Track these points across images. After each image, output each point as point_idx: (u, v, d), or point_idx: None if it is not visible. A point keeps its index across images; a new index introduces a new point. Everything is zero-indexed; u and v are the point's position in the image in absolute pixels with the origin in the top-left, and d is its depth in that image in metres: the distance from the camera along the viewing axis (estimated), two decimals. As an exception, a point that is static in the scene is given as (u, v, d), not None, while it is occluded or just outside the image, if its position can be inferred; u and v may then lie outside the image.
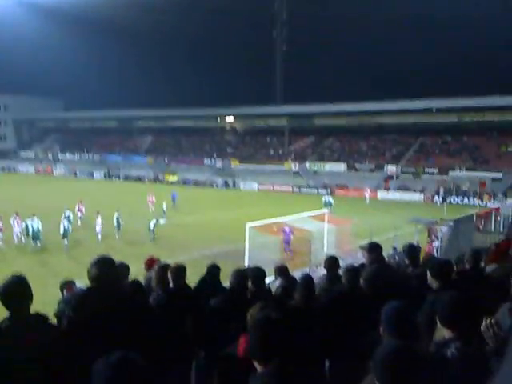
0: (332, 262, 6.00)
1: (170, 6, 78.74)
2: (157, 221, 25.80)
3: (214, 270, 5.32)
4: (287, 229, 20.84)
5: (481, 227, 17.22)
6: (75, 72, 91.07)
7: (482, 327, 2.84)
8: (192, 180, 59.97)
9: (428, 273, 4.20)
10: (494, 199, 41.07)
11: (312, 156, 60.74)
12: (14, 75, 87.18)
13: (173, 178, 61.25)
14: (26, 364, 2.80)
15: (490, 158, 49.44)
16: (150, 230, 25.20)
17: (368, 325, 3.36)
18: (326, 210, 24.42)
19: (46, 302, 4.68)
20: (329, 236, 21.10)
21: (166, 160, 68.63)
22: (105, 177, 67.72)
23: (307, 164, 58.49)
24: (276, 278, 6.08)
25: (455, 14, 62.24)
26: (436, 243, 16.27)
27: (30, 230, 22.68)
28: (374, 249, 6.03)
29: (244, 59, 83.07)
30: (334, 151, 60.64)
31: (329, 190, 48.72)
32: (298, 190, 52.79)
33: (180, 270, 4.74)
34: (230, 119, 72.40)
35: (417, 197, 46.74)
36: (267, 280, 5.67)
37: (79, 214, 28.75)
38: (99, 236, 24.89)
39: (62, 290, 5.23)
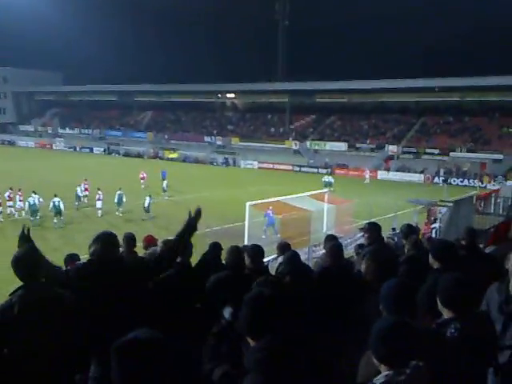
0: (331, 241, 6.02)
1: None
2: (150, 198, 25.21)
3: (216, 249, 5.35)
4: (270, 211, 20.71)
5: (480, 209, 17.24)
6: (75, 45, 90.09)
7: None
8: (192, 157, 59.83)
9: (430, 254, 4.22)
10: (494, 181, 41.05)
11: (313, 135, 60.46)
12: (14, 48, 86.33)
13: (173, 155, 61.09)
14: (41, 333, 2.87)
15: (491, 139, 49.23)
16: (144, 208, 24.74)
17: (360, 301, 3.38)
18: (325, 190, 24.45)
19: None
20: (328, 216, 21.17)
21: (165, 136, 68.35)
22: (104, 152, 67.55)
23: (308, 143, 58.26)
24: (278, 256, 6.10)
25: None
26: (435, 224, 16.33)
27: (27, 204, 22.74)
28: (372, 229, 6.05)
29: (246, 34, 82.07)
30: (335, 130, 60.33)
31: (329, 170, 48.64)
32: (298, 169, 52.71)
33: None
34: (230, 95, 71.82)
35: (417, 177, 46.73)
36: (265, 259, 5.71)
37: (86, 192, 28.12)
38: (99, 212, 24.98)
39: (65, 264, 5.25)
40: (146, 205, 24.75)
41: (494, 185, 37.66)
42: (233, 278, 4.35)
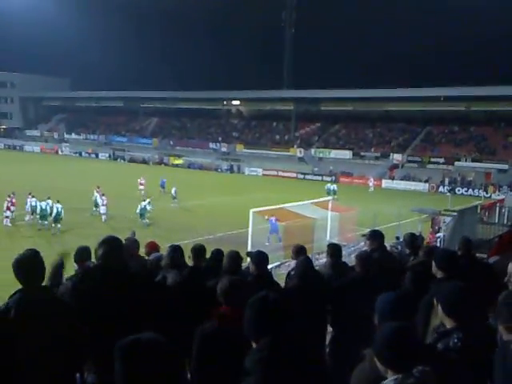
0: (335, 250, 6.03)
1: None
2: (149, 204, 24.90)
3: (218, 255, 5.38)
4: (273, 218, 20.69)
5: (485, 219, 17.18)
6: (82, 52, 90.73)
7: None
8: (197, 164, 59.98)
9: (433, 263, 4.24)
10: (499, 191, 40.90)
11: (318, 142, 60.51)
12: (21, 53, 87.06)
13: (178, 161, 61.25)
14: (37, 336, 2.87)
15: (496, 148, 49.10)
16: (138, 213, 24.39)
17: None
18: (329, 198, 24.42)
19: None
20: (332, 224, 21.13)
21: (171, 143, 68.57)
22: (110, 158, 67.81)
23: (312, 150, 58.30)
24: (293, 259, 6.10)
25: (467, 0, 61.40)
26: (439, 234, 16.28)
27: (39, 209, 22.78)
28: (375, 236, 6.05)
29: (252, 42, 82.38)
30: (340, 138, 60.36)
31: (333, 178, 48.63)
32: (302, 176, 52.71)
33: (200, 250, 4.91)
34: (236, 103, 72.05)
35: (421, 186, 46.62)
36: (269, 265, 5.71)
37: (104, 200, 26.34)
38: (103, 217, 25.05)
39: (76, 262, 5.21)
40: (138, 210, 24.40)
41: (498, 195, 37.56)
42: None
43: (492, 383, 2.65)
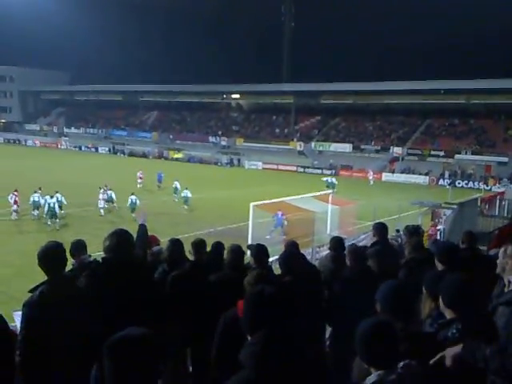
0: (337, 243, 6.03)
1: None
2: (135, 199, 24.48)
3: (218, 249, 5.38)
4: (279, 213, 20.67)
5: (485, 211, 17.17)
6: (82, 45, 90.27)
7: None
8: (197, 158, 59.92)
9: (435, 256, 4.25)
10: (499, 183, 40.91)
11: (317, 136, 60.43)
12: (20, 47, 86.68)
13: (178, 155, 61.19)
14: (64, 323, 3.00)
15: (496, 141, 49.06)
16: (128, 206, 24.14)
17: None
18: (329, 191, 24.41)
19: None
20: (332, 217, 21.14)
21: (170, 136, 68.49)
22: (109, 152, 67.74)
23: (312, 144, 58.24)
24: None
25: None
26: (440, 226, 16.28)
27: (47, 206, 22.15)
28: (379, 229, 6.11)
29: (251, 35, 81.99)
30: (340, 131, 60.28)
31: (333, 172, 48.59)
32: (302, 169, 52.69)
33: (201, 244, 4.93)
34: (235, 96, 71.89)
35: (422, 179, 46.61)
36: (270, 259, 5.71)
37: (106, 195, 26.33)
38: (102, 211, 24.98)
39: (72, 256, 5.17)
40: (128, 204, 24.17)
41: (498, 187, 37.55)
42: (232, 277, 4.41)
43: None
